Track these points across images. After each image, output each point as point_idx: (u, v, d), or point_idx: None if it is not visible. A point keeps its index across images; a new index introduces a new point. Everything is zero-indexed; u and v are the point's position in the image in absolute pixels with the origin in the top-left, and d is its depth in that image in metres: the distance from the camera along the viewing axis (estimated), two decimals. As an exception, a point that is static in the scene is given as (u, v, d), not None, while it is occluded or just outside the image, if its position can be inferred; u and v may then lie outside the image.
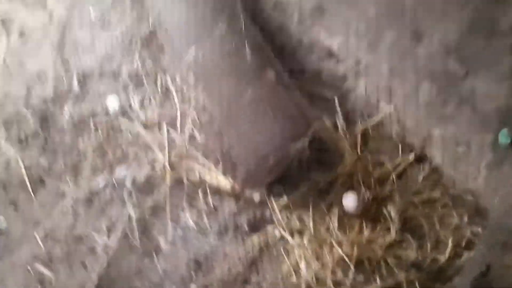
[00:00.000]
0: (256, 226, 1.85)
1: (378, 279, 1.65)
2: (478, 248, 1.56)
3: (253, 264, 1.77)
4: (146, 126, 2.03)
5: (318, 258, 1.71)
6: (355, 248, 1.67)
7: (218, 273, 1.73)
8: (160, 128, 2.01)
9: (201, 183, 1.92)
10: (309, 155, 1.85)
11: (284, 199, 1.85)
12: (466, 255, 1.67)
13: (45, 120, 2.09)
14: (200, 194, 1.91)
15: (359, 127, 1.96)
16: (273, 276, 1.74)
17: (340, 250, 1.67)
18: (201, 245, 1.81)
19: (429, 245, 1.71)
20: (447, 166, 1.86)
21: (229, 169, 1.91)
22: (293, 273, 1.71)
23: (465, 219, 1.77)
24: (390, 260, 1.68)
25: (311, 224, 1.79)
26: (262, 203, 1.88)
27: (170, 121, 2.05)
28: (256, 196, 1.89)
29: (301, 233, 1.78)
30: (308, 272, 1.68)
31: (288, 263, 1.73)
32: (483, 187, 1.72)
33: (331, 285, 1.64)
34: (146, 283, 1.73)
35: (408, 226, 1.77)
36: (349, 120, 2.01)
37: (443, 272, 1.67)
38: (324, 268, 1.68)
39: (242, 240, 1.82)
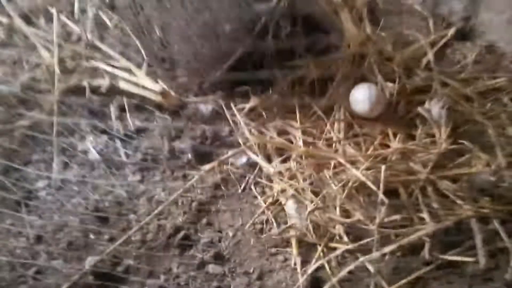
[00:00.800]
0: (207, 154, 1.09)
1: (426, 216, 0.89)
2: None
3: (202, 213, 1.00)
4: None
5: (315, 184, 0.95)
6: (382, 170, 0.91)
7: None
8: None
9: (114, 91, 1.15)
10: (290, 31, 1.10)
11: (252, 102, 1.09)
12: None
13: None
14: (112, 109, 1.14)
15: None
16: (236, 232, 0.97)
17: (358, 174, 0.92)
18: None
19: (501, 159, 0.97)
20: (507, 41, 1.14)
21: (160, 66, 1.16)
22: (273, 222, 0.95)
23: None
24: (443, 185, 0.93)
25: (298, 136, 1.03)
26: (218, 115, 1.12)
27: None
28: (207, 107, 1.13)
29: (282, 156, 1.03)
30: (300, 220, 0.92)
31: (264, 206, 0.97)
32: None
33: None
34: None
35: (461, 131, 1.03)
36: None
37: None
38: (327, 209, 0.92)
39: (183, 177, 1.05)
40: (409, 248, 0.89)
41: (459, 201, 0.91)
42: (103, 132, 1.12)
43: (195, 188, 1.03)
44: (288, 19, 1.11)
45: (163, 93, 1.14)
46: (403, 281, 0.86)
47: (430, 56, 1.14)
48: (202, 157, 1.08)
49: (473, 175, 0.94)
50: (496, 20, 1.14)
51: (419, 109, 1.05)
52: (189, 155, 1.08)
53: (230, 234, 0.96)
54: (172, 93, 1.15)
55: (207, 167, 1.05)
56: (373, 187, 0.90)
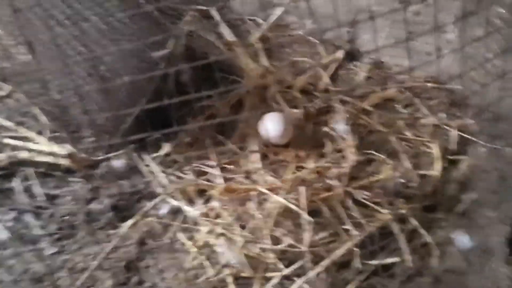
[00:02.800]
0: (127, 210, 1.05)
1: (350, 227, 0.93)
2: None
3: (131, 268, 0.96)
4: None
5: (241, 218, 0.95)
6: (302, 191, 0.94)
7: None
8: None
9: (17, 163, 1.09)
10: (190, 73, 1.12)
11: (165, 149, 1.08)
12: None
13: None
14: (16, 182, 1.07)
15: (253, 35, 1.30)
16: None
17: (280, 200, 0.94)
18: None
19: (406, 162, 1.04)
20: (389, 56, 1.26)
21: (64, 129, 1.12)
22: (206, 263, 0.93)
23: (443, 113, 1.15)
24: (360, 195, 0.98)
25: (217, 174, 1.04)
26: (133, 168, 1.10)
27: None
28: (119, 162, 1.10)
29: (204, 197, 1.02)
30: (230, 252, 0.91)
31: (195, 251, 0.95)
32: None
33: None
34: None
35: (366, 142, 1.09)
36: (238, 30, 1.34)
37: (438, 191, 1.01)
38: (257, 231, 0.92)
39: (106, 239, 1.00)
40: (341, 261, 0.91)
41: (377, 208, 0.96)
42: (12, 209, 1.05)
43: (120, 248, 0.98)
44: (187, 62, 1.13)
45: (70, 156, 1.09)
46: (343, 296, 0.87)
47: (326, 79, 1.21)
48: (123, 214, 1.04)
49: (384, 180, 1.00)
50: (373, 39, 1.25)
51: (326, 129, 1.10)
52: (109, 215, 1.04)
53: (164, 287, 0.92)
54: (80, 155, 1.11)
55: (128, 223, 1.01)
56: (297, 209, 0.92)
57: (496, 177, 1.02)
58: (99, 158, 1.12)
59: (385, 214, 0.95)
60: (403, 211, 0.96)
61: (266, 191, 0.97)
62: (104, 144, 1.14)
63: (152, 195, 1.06)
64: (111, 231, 1.02)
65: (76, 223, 1.03)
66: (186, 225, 1.01)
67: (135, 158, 1.11)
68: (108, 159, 1.12)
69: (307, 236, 0.90)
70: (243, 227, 0.96)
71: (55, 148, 1.12)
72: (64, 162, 1.10)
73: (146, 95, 1.07)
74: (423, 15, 1.16)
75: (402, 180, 1.00)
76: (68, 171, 1.12)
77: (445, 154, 1.07)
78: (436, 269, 0.90)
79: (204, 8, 1.38)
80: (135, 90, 1.06)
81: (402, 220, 0.96)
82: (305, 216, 0.91)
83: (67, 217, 1.04)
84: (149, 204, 1.04)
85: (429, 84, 1.21)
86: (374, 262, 0.90)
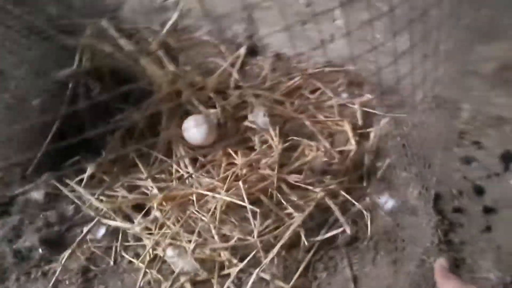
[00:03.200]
0: (59, 241, 0.99)
1: (291, 210, 0.99)
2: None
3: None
4: None
5: (186, 224, 0.96)
6: (240, 185, 0.97)
7: None
8: None
9: None
10: (100, 88, 1.08)
11: (89, 170, 1.03)
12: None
13: None
14: None
15: (153, 42, 1.29)
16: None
17: (223, 197, 0.96)
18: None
19: (324, 142, 1.13)
20: (287, 47, 1.34)
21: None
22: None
23: (345, 93, 1.26)
24: (293, 179, 1.04)
25: (150, 186, 1.02)
26: (55, 197, 1.03)
27: None
28: (38, 193, 1.02)
29: (142, 211, 1.00)
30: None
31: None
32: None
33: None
34: None
35: (285, 130, 1.16)
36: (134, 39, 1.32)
37: (357, 163, 1.11)
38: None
39: (43, 276, 0.93)
40: (290, 244, 0.96)
41: (310, 188, 1.03)
42: None
43: (63, 282, 0.92)
44: (94, 78, 1.09)
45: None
46: (296, 274, 0.93)
47: (236, 75, 1.25)
48: (55, 247, 0.98)
49: (310, 162, 1.07)
50: (273, 32, 1.32)
51: (247, 123, 1.14)
52: (40, 250, 0.97)
53: (121, 310, 0.89)
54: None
55: (66, 254, 0.96)
56: (241, 202, 0.95)
57: (400, 141, 1.15)
58: (14, 193, 1.03)
59: (318, 192, 1.02)
60: (332, 187, 1.04)
61: (206, 192, 0.98)
62: (16, 178, 1.05)
63: (84, 221, 1.01)
64: (47, 267, 0.95)
65: (4, 266, 0.94)
66: (128, 243, 0.98)
67: (55, 185, 1.04)
68: (24, 192, 1.03)
69: (255, 227, 0.93)
70: (189, 232, 0.96)
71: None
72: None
73: (58, 116, 1.01)
74: (315, 5, 1.25)
75: (325, 159, 1.08)
76: (-21, 213, 1.02)
77: (355, 129, 1.17)
78: (371, 232, 0.99)
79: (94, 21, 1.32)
80: (44, 113, 1.00)
81: (333, 195, 1.04)
82: (250, 207, 0.94)
83: (-8, 262, 0.95)
84: (84, 230, 0.98)
85: (327, 69, 1.31)
86: (318, 238, 0.97)
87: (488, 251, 0.99)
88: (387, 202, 1.04)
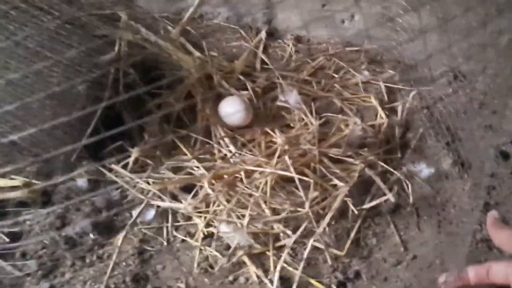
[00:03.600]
0: (109, 225, 0.99)
1: (336, 181, 1.02)
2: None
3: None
4: None
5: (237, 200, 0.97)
6: (287, 160, 1.00)
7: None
8: None
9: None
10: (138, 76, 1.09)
11: (134, 154, 1.04)
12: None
13: None
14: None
15: (174, 29, 1.30)
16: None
17: (273, 170, 0.98)
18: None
19: (355, 117, 1.17)
20: (306, 30, 1.37)
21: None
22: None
23: (366, 71, 1.30)
24: (334, 152, 1.08)
25: (195, 166, 1.04)
26: (97, 183, 1.03)
27: None
28: (82, 180, 1.03)
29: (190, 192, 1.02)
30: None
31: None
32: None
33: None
34: None
35: (316, 108, 1.19)
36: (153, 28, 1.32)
37: (389, 136, 1.16)
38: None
39: (98, 260, 0.94)
40: (338, 214, 0.99)
41: (350, 160, 1.06)
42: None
43: (119, 264, 0.93)
44: (130, 66, 1.10)
45: (27, 185, 0.98)
46: (348, 242, 0.96)
47: (262, 56, 1.27)
48: (106, 231, 0.98)
49: (347, 136, 1.11)
50: (292, 16, 1.36)
51: (279, 103, 1.17)
52: (91, 235, 0.97)
53: (182, 287, 0.91)
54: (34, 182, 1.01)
55: (120, 237, 0.96)
56: (290, 174, 0.98)
57: (427, 114, 1.20)
58: (59, 180, 1.02)
59: (358, 164, 1.05)
60: (371, 159, 1.08)
61: (256, 168, 1.00)
62: (58, 166, 1.05)
63: (132, 205, 1.02)
64: (101, 251, 0.95)
65: (57, 253, 0.94)
66: (179, 224, 0.99)
67: (98, 171, 1.04)
68: (68, 180, 1.03)
69: (306, 198, 0.96)
70: (241, 208, 0.98)
71: (1, 182, 0.99)
72: (16, 194, 0.99)
73: (101, 102, 1.01)
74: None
75: (360, 133, 1.12)
76: (21, 205, 1.01)
77: (382, 105, 1.22)
78: (413, 199, 1.03)
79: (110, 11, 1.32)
80: (90, 99, 1.00)
81: (372, 166, 1.07)
82: (299, 177, 0.97)
83: (44, 251, 0.94)
84: (133, 213, 0.99)
85: (347, 48, 1.35)
86: (365, 206, 1.00)
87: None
88: (422, 170, 1.08)
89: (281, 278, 0.91)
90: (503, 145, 1.15)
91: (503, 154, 1.14)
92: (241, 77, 1.22)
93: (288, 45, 1.35)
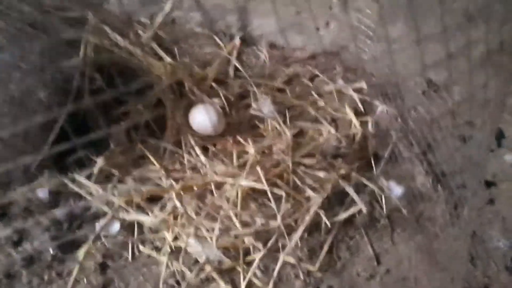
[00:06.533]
0: (70, 241, 0.94)
1: (310, 193, 0.99)
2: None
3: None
4: None
5: (206, 213, 0.94)
6: (259, 171, 0.97)
7: None
8: None
9: None
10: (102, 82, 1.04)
11: (99, 163, 0.99)
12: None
13: None
14: None
15: (145, 34, 1.26)
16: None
17: (245, 183, 0.95)
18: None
19: (329, 127, 1.14)
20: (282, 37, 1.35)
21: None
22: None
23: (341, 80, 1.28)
24: (308, 162, 1.05)
25: (163, 177, 0.99)
26: (58, 195, 0.98)
27: None
28: (43, 191, 0.97)
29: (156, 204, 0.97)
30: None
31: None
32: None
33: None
34: None
35: (289, 117, 1.16)
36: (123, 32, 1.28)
37: (363, 147, 1.14)
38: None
39: (58, 277, 0.88)
40: (311, 226, 0.96)
41: (324, 171, 1.04)
42: None
43: (80, 281, 0.88)
44: (96, 71, 1.05)
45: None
46: (321, 255, 0.93)
47: (235, 63, 1.24)
48: (67, 246, 0.93)
49: (321, 146, 1.08)
50: (266, 22, 1.33)
51: (252, 111, 1.14)
52: (51, 250, 0.91)
53: (146, 305, 0.86)
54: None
55: (81, 253, 0.91)
56: (262, 187, 0.94)
57: (399, 124, 1.19)
58: (15, 193, 0.97)
59: (332, 175, 1.03)
60: (344, 170, 1.05)
61: (226, 179, 0.96)
62: (18, 175, 0.99)
63: (95, 217, 0.97)
64: (61, 267, 0.90)
65: (13, 270, 0.89)
66: (145, 237, 0.94)
67: (60, 182, 0.99)
68: (28, 191, 0.97)
69: (278, 211, 0.93)
70: (210, 221, 0.94)
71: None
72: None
73: (64, 110, 0.96)
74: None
75: (335, 143, 1.10)
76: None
77: (356, 114, 1.20)
78: (386, 211, 1.01)
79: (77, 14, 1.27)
80: (51, 106, 0.95)
81: (346, 177, 1.05)
82: (270, 190, 0.94)
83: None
84: (98, 226, 0.94)
85: (322, 57, 1.33)
86: (338, 218, 0.98)
87: (495, 222, 1.04)
88: (395, 189, 1.06)
89: (250, 293, 0.87)
90: (476, 156, 1.15)
91: (476, 165, 1.14)
92: (214, 85, 1.18)
93: (262, 52, 1.31)
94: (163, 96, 1.13)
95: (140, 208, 0.96)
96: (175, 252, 0.92)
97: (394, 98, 1.24)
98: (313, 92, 1.23)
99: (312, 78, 1.28)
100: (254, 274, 0.89)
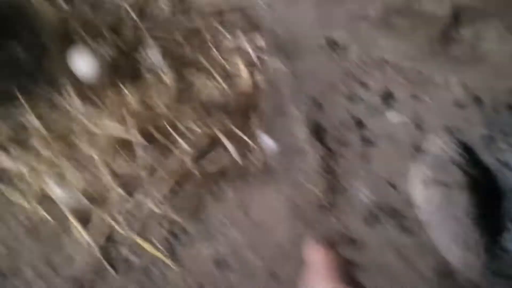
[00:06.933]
0: None
1: (185, 145, 1.00)
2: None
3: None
4: None
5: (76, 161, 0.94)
6: (132, 121, 0.97)
7: None
8: None
9: None
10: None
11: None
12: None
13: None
14: None
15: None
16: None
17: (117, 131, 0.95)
18: None
19: (220, 80, 1.14)
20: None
21: None
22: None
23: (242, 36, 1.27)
24: (188, 115, 1.05)
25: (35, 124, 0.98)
26: None
27: None
28: None
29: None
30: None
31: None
32: None
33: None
34: None
35: (182, 70, 1.15)
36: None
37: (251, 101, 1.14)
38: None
39: None
40: (182, 177, 0.97)
41: (203, 124, 1.04)
42: None
43: None
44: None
45: None
46: (189, 206, 0.95)
47: (132, 14, 1.21)
48: None
49: (205, 99, 1.08)
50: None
51: (141, 61, 1.12)
52: None
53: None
54: None
55: None
56: (130, 137, 0.94)
57: (293, 82, 1.20)
58: None
59: (211, 128, 1.04)
60: (225, 123, 1.06)
61: (95, 128, 0.96)
62: None
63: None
64: None
65: None
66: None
67: None
68: None
69: (147, 162, 0.94)
70: (77, 168, 0.94)
71: None
72: None
73: None
74: None
75: (219, 97, 1.10)
76: None
77: (251, 72, 1.20)
78: (260, 164, 1.03)
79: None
80: None
81: (226, 131, 1.06)
82: (140, 141, 0.94)
83: None
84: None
85: (226, 11, 1.31)
86: (210, 170, 0.99)
87: (367, 180, 1.07)
88: (270, 142, 1.07)
89: (110, 239, 0.89)
90: (361, 115, 1.16)
91: (358, 124, 1.15)
92: (105, 31, 1.15)
93: (166, 5, 1.29)
94: (48, 40, 1.10)
95: (3, 148, 0.95)
96: (40, 199, 0.92)
97: (292, 56, 1.25)
98: (212, 47, 1.22)
99: (214, 34, 1.27)
100: (118, 222, 0.90)
